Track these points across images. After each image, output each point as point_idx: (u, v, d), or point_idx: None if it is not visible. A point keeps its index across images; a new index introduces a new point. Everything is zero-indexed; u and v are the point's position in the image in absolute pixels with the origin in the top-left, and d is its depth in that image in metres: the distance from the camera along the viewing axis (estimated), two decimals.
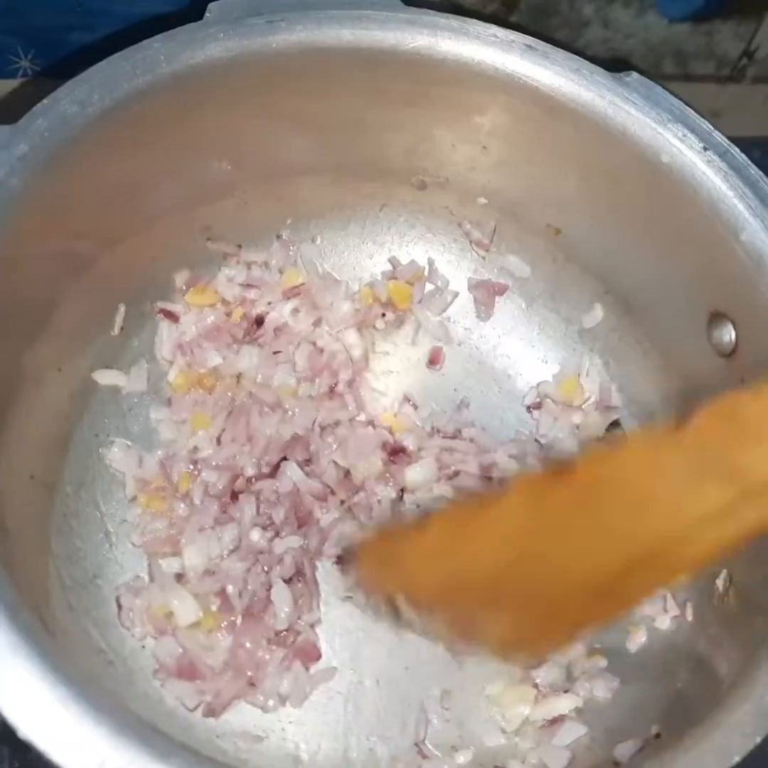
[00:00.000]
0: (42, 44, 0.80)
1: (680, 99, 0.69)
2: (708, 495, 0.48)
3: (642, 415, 0.77)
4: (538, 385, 0.80)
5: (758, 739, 0.52)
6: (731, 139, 0.68)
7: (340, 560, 0.63)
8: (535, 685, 0.69)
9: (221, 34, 0.65)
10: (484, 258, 0.82)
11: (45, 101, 0.61)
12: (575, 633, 0.58)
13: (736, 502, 0.47)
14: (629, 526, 0.50)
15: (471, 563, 0.54)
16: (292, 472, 0.73)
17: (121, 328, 0.74)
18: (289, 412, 0.76)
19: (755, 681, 0.54)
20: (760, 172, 0.66)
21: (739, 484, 0.47)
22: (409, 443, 0.76)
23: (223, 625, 0.68)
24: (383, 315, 0.81)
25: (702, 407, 0.49)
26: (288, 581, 0.69)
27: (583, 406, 0.79)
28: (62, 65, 0.81)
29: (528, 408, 0.80)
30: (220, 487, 0.72)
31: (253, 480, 0.73)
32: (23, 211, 0.59)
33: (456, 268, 0.82)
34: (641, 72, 0.70)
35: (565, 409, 0.79)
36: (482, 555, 0.54)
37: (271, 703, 0.67)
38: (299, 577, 0.70)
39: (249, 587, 0.69)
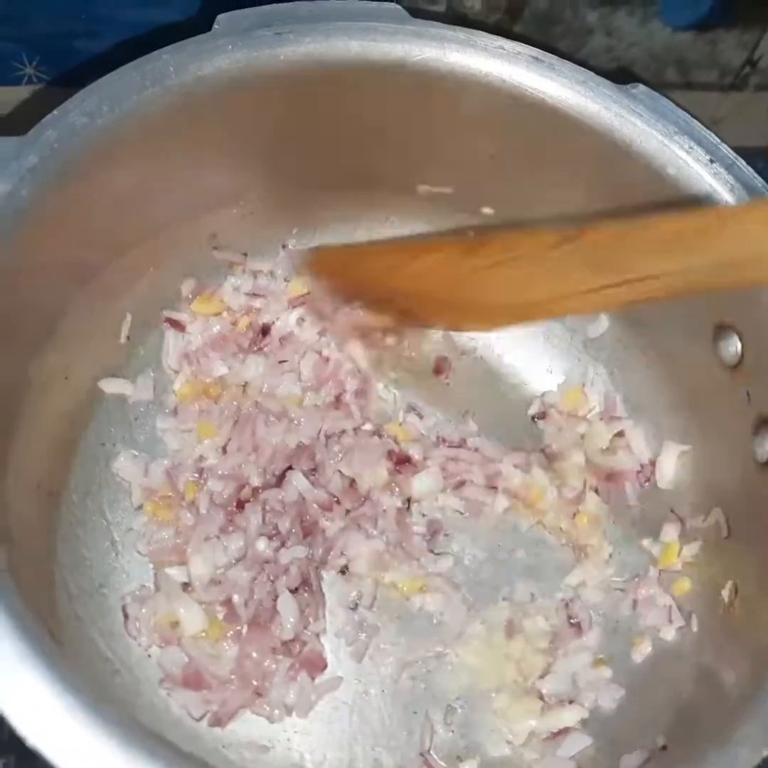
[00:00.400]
0: (47, 51, 0.80)
1: (684, 109, 0.69)
2: (592, 278, 0.61)
3: (647, 425, 0.77)
4: (543, 395, 0.80)
5: (766, 752, 0.52)
6: (734, 148, 0.68)
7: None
8: (541, 697, 0.69)
9: (230, 46, 0.65)
10: None
11: (54, 112, 0.61)
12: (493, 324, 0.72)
13: (615, 285, 0.60)
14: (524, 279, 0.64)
15: (412, 281, 0.69)
16: (297, 481, 0.73)
17: (127, 337, 0.74)
18: (295, 422, 0.76)
19: (763, 693, 0.54)
20: (767, 185, 0.66)
21: (621, 275, 0.59)
22: (415, 452, 0.76)
23: (228, 634, 0.68)
24: None
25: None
26: (294, 591, 0.69)
27: (587, 416, 0.79)
28: (68, 73, 0.81)
29: (533, 418, 0.80)
30: (226, 497, 0.72)
31: (259, 489, 0.73)
32: (32, 222, 0.59)
33: None
34: (644, 80, 0.70)
35: (570, 419, 0.79)
36: (420, 277, 0.68)
37: (276, 713, 0.67)
38: (305, 586, 0.70)
39: (255, 597, 0.69)
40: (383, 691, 0.70)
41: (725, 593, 0.67)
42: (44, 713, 0.48)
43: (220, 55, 0.65)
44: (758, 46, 0.90)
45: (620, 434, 0.78)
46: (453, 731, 0.69)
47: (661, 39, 0.88)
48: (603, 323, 0.79)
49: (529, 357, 0.82)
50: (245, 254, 0.79)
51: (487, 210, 0.78)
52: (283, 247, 0.80)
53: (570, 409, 0.79)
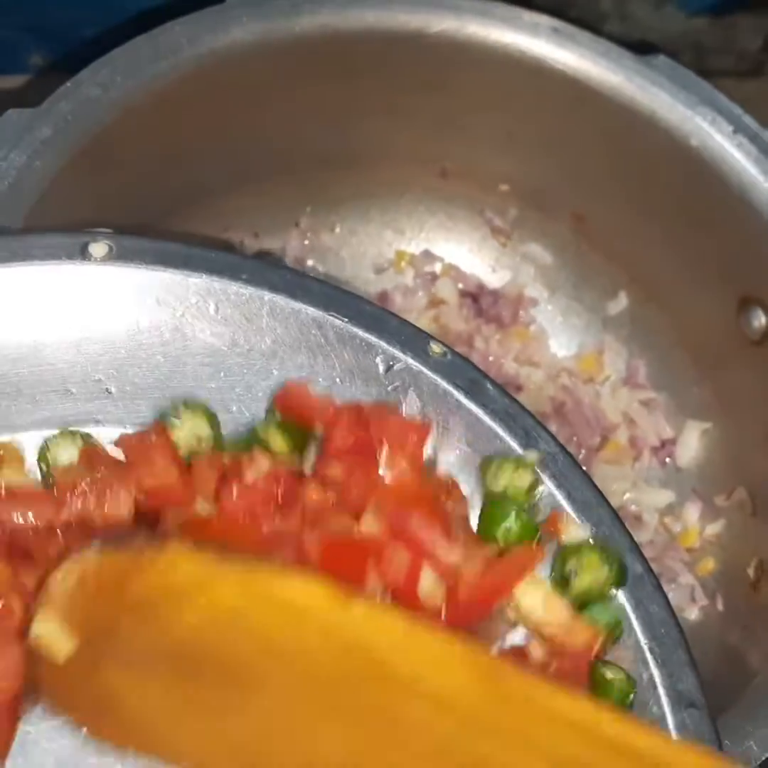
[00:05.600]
0: (56, 40, 0.79)
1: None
2: None
3: (669, 402, 0.76)
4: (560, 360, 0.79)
5: None
6: None
7: None
8: None
9: (244, 17, 0.64)
10: (504, 246, 0.81)
11: (68, 84, 0.61)
12: None
13: None
14: None
15: None
16: None
17: None
18: None
19: None
20: None
21: None
22: None
23: None
24: None
25: None
26: None
27: (608, 382, 0.78)
28: (76, 61, 0.81)
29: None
30: None
31: None
32: (46, 194, 0.59)
33: (476, 256, 0.81)
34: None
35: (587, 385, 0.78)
36: None
37: None
38: None
39: None
40: None
41: (750, 571, 0.66)
42: None
43: (235, 26, 0.64)
44: None
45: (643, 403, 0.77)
46: None
47: (677, 24, 0.87)
48: (622, 301, 0.77)
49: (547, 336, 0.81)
50: (256, 233, 0.78)
51: (503, 187, 0.77)
52: (296, 225, 0.79)
53: (586, 377, 0.78)
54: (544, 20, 0.68)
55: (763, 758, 0.51)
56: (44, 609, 0.40)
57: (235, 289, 0.47)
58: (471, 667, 0.35)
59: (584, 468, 0.47)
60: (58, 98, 0.60)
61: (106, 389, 0.47)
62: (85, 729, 0.42)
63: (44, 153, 0.59)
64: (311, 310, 0.47)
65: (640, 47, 0.70)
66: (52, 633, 0.40)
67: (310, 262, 0.80)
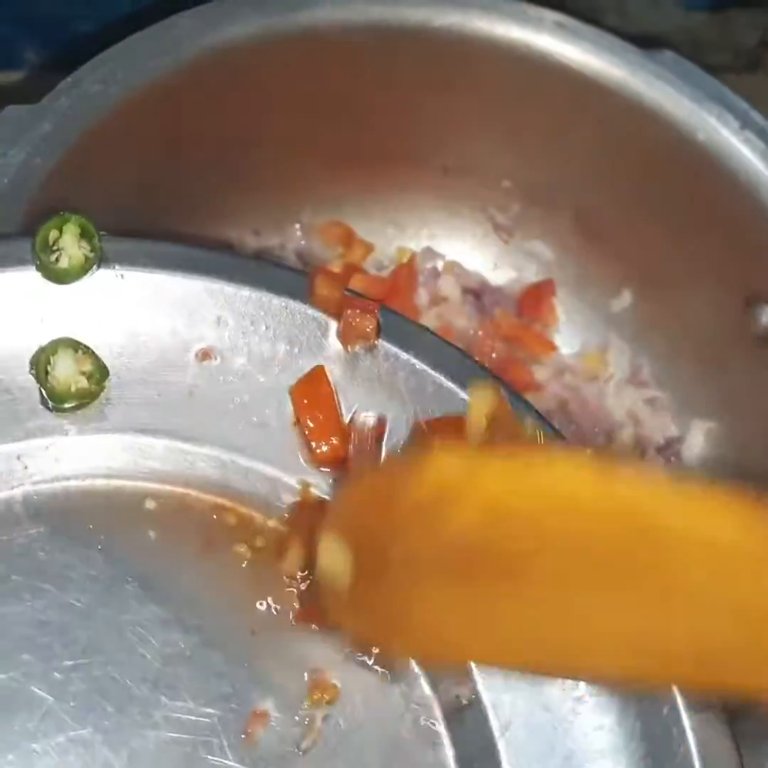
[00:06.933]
0: (51, 36, 0.79)
1: None
2: None
3: (673, 401, 0.76)
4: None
5: None
6: None
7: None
8: None
9: (247, 10, 0.64)
10: (507, 243, 0.80)
11: (68, 79, 0.61)
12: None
13: None
14: None
15: None
16: None
17: None
18: None
19: None
20: None
21: None
22: None
23: None
24: None
25: None
26: None
27: (612, 382, 0.77)
28: (72, 57, 0.80)
29: None
30: None
31: None
32: (47, 191, 0.58)
33: (478, 254, 0.81)
34: None
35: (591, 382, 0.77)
36: None
37: None
38: None
39: None
40: None
41: None
42: None
43: (238, 21, 0.64)
44: None
45: (648, 402, 0.76)
46: None
47: (674, 19, 0.87)
48: (626, 298, 0.77)
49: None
50: (257, 231, 0.77)
51: (506, 183, 0.77)
52: (297, 222, 0.78)
53: (590, 375, 0.77)
54: (549, 15, 0.67)
55: None
56: (326, 535, 0.43)
57: (233, 291, 0.48)
58: (737, 514, 0.36)
59: None
60: (57, 94, 0.60)
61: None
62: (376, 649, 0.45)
63: (44, 150, 0.58)
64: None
65: (644, 41, 0.69)
66: (335, 558, 0.42)
67: (310, 260, 0.79)
